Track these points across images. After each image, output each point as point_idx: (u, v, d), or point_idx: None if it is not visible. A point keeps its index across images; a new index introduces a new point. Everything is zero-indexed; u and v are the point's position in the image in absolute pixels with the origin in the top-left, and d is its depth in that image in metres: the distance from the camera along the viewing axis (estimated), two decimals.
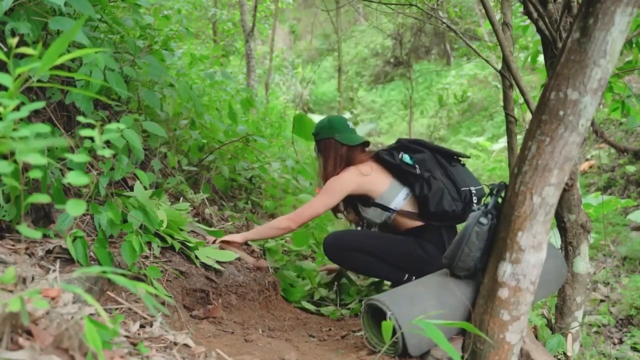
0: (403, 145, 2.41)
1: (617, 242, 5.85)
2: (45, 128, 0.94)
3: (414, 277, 2.22)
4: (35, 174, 0.89)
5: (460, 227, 2.01)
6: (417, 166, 2.30)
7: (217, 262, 2.34)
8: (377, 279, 2.66)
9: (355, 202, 2.42)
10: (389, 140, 11.45)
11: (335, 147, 2.40)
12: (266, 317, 2.29)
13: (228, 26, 9.81)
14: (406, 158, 2.34)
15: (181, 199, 2.75)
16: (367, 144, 2.45)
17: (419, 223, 2.32)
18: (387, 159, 2.34)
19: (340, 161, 2.38)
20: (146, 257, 2.03)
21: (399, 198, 2.32)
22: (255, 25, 6.54)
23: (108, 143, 1.84)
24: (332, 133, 2.41)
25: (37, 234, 0.93)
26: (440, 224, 2.28)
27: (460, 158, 2.43)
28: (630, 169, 6.63)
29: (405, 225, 2.34)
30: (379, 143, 10.72)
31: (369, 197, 2.34)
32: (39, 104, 0.94)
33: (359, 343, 1.88)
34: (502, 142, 9.48)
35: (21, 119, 0.96)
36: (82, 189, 1.97)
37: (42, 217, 1.91)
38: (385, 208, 2.32)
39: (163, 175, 2.76)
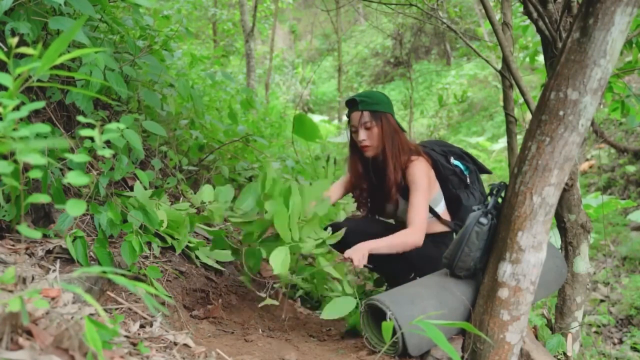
0: (455, 151, 2.32)
1: (617, 242, 5.86)
2: (45, 128, 0.94)
3: (417, 277, 2.21)
4: (35, 174, 0.89)
5: None
6: (467, 175, 2.26)
7: (217, 262, 2.34)
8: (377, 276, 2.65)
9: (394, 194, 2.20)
10: None
11: (397, 126, 2.17)
12: (266, 317, 2.28)
13: (228, 26, 9.83)
14: (459, 165, 2.27)
15: (181, 198, 2.75)
16: None
17: (443, 229, 2.26)
18: (441, 162, 2.24)
19: (403, 144, 2.16)
20: (146, 257, 2.03)
21: (442, 204, 2.25)
22: (255, 25, 6.54)
23: (108, 143, 1.85)
24: (392, 110, 2.18)
25: (37, 234, 0.93)
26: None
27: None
28: (630, 169, 6.63)
29: (430, 230, 2.24)
30: None
31: None
32: (39, 104, 0.94)
33: (359, 343, 1.88)
34: (502, 142, 9.48)
35: (21, 119, 0.96)
36: (82, 189, 1.97)
37: (42, 217, 1.91)
38: (431, 210, 2.22)
39: (163, 175, 2.76)
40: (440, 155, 2.28)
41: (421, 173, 2.10)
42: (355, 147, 2.25)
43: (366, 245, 1.98)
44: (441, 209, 2.25)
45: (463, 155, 2.34)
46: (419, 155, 2.18)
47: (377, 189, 2.26)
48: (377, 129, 2.13)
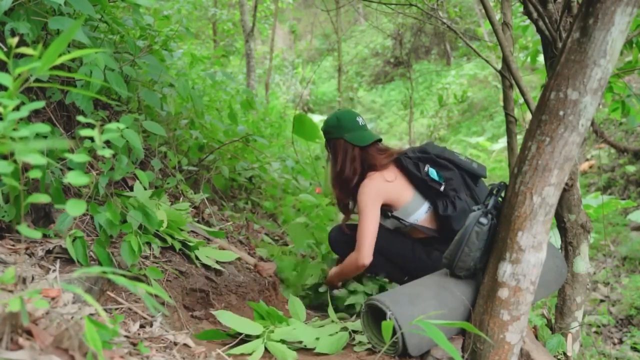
0: (431, 158, 2.22)
1: (617, 242, 5.86)
2: (45, 128, 0.94)
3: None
4: (35, 174, 0.89)
5: None
6: (442, 184, 2.16)
7: (217, 262, 2.34)
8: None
9: None
10: (389, 140, 11.46)
11: (346, 148, 2.24)
12: None
13: (228, 26, 9.82)
14: (432, 173, 2.18)
15: (181, 198, 2.75)
16: (379, 141, 2.31)
17: (425, 235, 2.25)
18: (411, 170, 2.20)
19: (354, 165, 2.22)
20: (146, 257, 2.03)
21: (420, 212, 2.21)
22: (255, 25, 6.54)
23: (108, 143, 1.85)
24: (341, 133, 2.24)
25: (37, 234, 0.93)
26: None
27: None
28: (630, 169, 6.63)
29: (415, 235, 2.26)
30: None
31: (390, 206, 2.21)
32: (39, 104, 0.94)
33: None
34: (502, 142, 9.48)
35: (21, 119, 0.96)
36: (82, 189, 1.97)
37: (42, 217, 1.91)
38: (402, 221, 2.21)
39: (163, 175, 2.76)
40: (412, 163, 2.21)
41: (364, 193, 2.17)
42: None
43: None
44: (420, 216, 2.21)
45: (440, 162, 2.20)
46: (383, 169, 2.19)
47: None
48: (332, 157, 2.32)
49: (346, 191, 2.27)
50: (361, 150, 2.24)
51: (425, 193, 2.22)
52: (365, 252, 2.12)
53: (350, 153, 2.23)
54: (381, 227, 2.27)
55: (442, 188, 2.16)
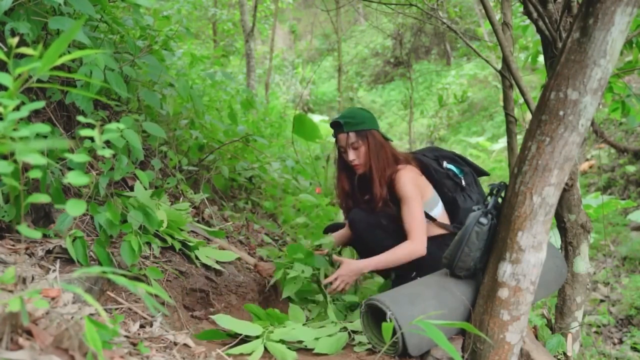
0: (448, 155, 2.35)
1: (617, 242, 5.86)
2: (45, 128, 0.94)
3: (418, 277, 2.21)
4: (35, 174, 0.89)
5: None
6: (462, 178, 2.29)
7: (217, 262, 2.34)
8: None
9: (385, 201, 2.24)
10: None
11: (382, 141, 2.22)
12: None
13: (228, 26, 9.82)
14: (452, 168, 2.30)
15: (181, 198, 2.75)
16: None
17: (442, 232, 2.26)
18: (433, 166, 2.27)
19: (389, 157, 2.20)
20: (146, 257, 2.03)
21: (437, 209, 2.25)
22: (255, 25, 6.54)
23: (108, 143, 1.85)
24: (376, 125, 2.23)
25: (37, 234, 0.93)
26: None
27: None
28: (630, 169, 6.63)
29: (429, 233, 2.24)
30: None
31: None
32: (39, 104, 0.94)
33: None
34: (502, 142, 9.49)
35: (21, 119, 0.96)
36: (82, 189, 1.97)
37: (42, 217, 1.91)
38: (426, 215, 2.21)
39: (163, 175, 2.76)
40: (432, 160, 2.31)
41: (407, 183, 2.13)
42: (343, 166, 2.29)
43: (358, 267, 2.04)
44: (438, 212, 2.26)
45: (455, 158, 2.36)
46: (407, 164, 2.20)
47: (363, 203, 2.27)
48: (364, 147, 2.18)
49: (384, 181, 2.19)
50: (390, 145, 2.26)
51: (440, 189, 2.28)
52: (422, 239, 2.09)
53: (385, 144, 2.23)
54: (398, 224, 2.28)
55: (463, 182, 2.27)
